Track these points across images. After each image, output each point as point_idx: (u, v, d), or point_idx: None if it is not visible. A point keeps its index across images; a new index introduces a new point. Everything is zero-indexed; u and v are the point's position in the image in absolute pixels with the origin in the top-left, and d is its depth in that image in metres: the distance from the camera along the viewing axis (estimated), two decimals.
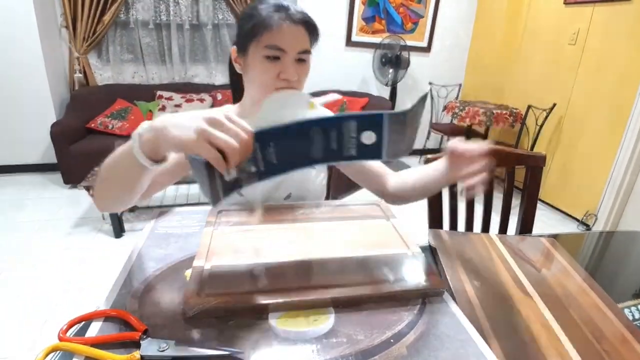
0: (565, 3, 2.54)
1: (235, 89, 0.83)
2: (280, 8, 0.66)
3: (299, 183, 0.81)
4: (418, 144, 3.83)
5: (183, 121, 0.43)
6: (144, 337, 0.39)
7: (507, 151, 1.01)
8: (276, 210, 0.68)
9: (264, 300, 0.44)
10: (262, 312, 0.44)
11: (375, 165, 0.82)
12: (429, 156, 0.89)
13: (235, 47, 0.72)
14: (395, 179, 0.81)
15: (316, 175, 0.85)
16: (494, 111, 2.68)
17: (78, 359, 0.38)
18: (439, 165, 0.70)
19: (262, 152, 0.41)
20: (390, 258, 0.55)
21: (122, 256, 0.53)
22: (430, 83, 3.45)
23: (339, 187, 1.04)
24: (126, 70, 3.06)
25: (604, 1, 2.27)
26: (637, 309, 0.55)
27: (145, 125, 0.47)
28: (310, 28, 0.68)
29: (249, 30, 0.66)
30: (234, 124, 0.41)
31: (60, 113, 2.81)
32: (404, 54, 3.03)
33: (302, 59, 0.68)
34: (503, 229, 1.03)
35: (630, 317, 0.54)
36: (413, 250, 0.56)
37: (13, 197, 2.47)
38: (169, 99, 2.92)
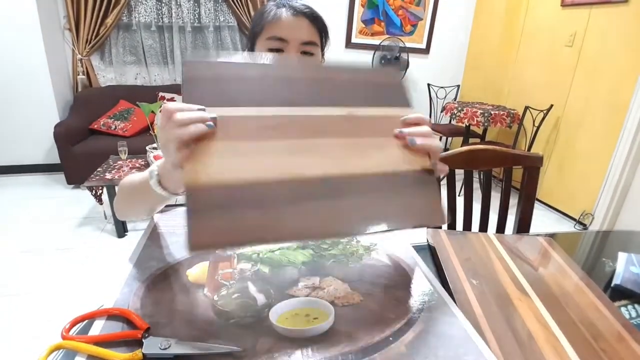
0: (563, 5, 2.55)
1: None
2: (282, 3, 0.66)
3: None
4: None
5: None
6: (146, 335, 0.40)
7: (504, 151, 1.01)
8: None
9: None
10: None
11: None
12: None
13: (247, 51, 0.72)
14: None
15: None
16: (492, 112, 2.69)
17: (81, 358, 0.38)
18: None
19: None
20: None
21: (125, 255, 0.53)
22: (429, 84, 3.46)
23: None
24: (129, 71, 3.08)
25: (600, 3, 2.28)
26: (634, 308, 0.56)
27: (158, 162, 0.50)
28: (314, 20, 0.66)
29: (253, 29, 0.67)
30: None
31: (64, 114, 2.82)
32: (403, 55, 3.04)
33: (307, 52, 0.66)
34: (501, 228, 1.03)
35: (627, 316, 0.54)
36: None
37: (17, 197, 2.47)
38: (171, 100, 2.94)
